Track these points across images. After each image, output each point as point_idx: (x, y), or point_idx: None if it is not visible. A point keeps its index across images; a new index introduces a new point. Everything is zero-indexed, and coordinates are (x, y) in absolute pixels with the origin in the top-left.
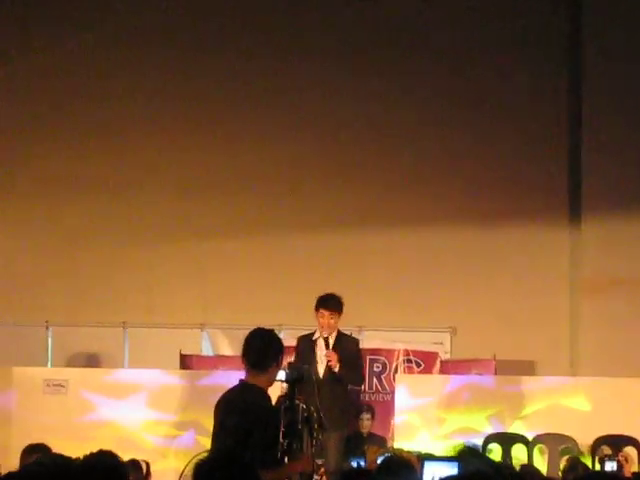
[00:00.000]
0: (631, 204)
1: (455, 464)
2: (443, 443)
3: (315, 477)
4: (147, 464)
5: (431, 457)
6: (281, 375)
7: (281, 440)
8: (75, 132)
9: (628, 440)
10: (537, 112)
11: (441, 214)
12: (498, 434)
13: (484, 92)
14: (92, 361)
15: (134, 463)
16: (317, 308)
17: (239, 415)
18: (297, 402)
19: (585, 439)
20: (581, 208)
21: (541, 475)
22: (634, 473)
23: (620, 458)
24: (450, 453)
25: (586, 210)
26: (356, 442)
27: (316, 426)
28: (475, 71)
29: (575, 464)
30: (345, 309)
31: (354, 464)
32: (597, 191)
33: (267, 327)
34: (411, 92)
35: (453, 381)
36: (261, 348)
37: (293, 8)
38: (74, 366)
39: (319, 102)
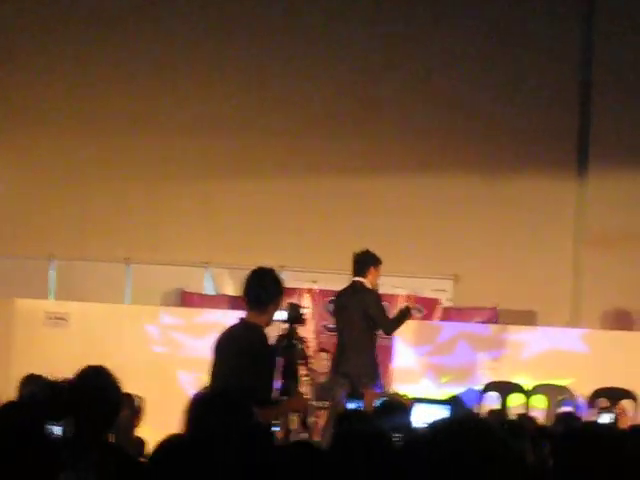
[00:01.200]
0: (636, 160)
1: (447, 407)
2: (441, 390)
3: (312, 419)
4: (141, 399)
5: (423, 400)
6: (280, 315)
7: (280, 379)
8: (84, 62)
9: (626, 393)
10: (548, 65)
11: (447, 162)
12: (497, 383)
13: (495, 43)
14: (94, 295)
15: (127, 397)
16: (379, 265)
17: (236, 353)
18: (295, 342)
19: (583, 390)
20: (588, 162)
21: (536, 424)
22: (631, 426)
23: (617, 411)
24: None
25: (593, 164)
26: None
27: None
28: (485, 22)
29: (567, 416)
30: (346, 254)
31: (352, 405)
32: (605, 145)
33: (269, 267)
34: (423, 40)
35: (452, 328)
36: (261, 287)
37: None
38: (76, 300)
39: (328, 42)
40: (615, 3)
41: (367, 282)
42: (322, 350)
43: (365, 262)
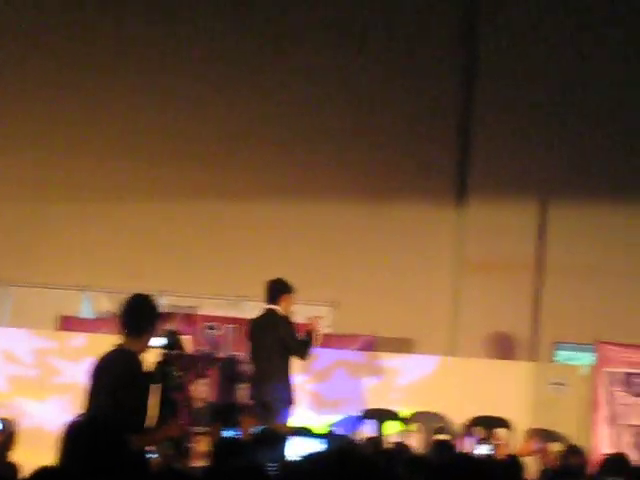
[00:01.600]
0: (516, 188)
1: (323, 440)
2: (320, 417)
3: (188, 444)
4: (14, 423)
5: (302, 432)
6: (158, 341)
7: (156, 406)
8: None
9: (501, 422)
10: (428, 93)
11: (328, 189)
12: (374, 410)
13: (375, 71)
14: None
15: (1, 421)
16: (292, 292)
17: (111, 379)
18: (171, 369)
19: (459, 418)
20: (467, 190)
21: (411, 453)
22: (508, 455)
23: (495, 442)
24: (326, 428)
25: (472, 192)
26: (232, 412)
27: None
28: (365, 47)
29: (442, 445)
30: (228, 279)
31: (228, 434)
32: (483, 174)
33: (148, 292)
34: (298, 67)
35: (329, 356)
36: (137, 313)
37: None
38: None
39: (219, 74)
40: (497, 35)
41: (280, 309)
42: (201, 376)
43: (278, 290)
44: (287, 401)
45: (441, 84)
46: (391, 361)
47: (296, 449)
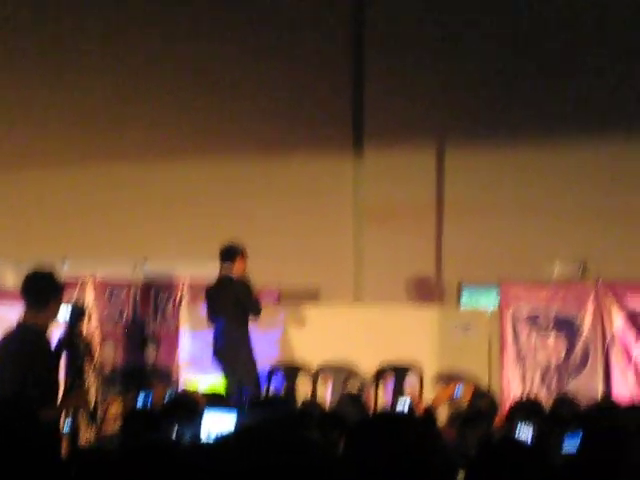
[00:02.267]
0: (412, 132)
1: (235, 412)
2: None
3: (101, 409)
4: None
5: (213, 402)
6: (62, 313)
7: (63, 378)
8: None
9: (410, 368)
10: (321, 43)
11: (223, 144)
12: (282, 364)
13: (265, 22)
14: None
15: None
16: (245, 255)
17: (15, 360)
18: (78, 339)
19: (369, 367)
20: (364, 137)
21: (323, 410)
22: (424, 408)
23: (411, 397)
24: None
25: (369, 139)
26: (141, 374)
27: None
28: (258, 10)
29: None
30: (130, 240)
31: (140, 400)
32: (379, 120)
33: (48, 261)
34: (197, 31)
35: None
36: (39, 288)
37: None
38: None
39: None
40: None
41: (234, 272)
42: (106, 340)
43: (232, 253)
44: (250, 359)
45: (332, 32)
46: (296, 312)
47: (211, 423)
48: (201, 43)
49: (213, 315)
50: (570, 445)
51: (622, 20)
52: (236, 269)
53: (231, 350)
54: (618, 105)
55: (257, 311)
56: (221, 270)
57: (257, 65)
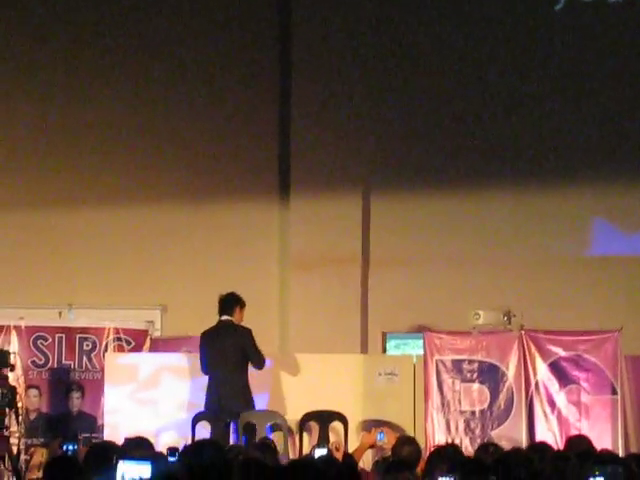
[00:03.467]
0: (338, 184)
1: (148, 463)
2: (156, 423)
3: (24, 456)
4: None
5: (125, 456)
6: None
7: None
8: None
9: (334, 415)
10: (247, 91)
11: (148, 192)
12: (206, 413)
13: (192, 70)
14: None
15: None
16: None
17: None
18: (2, 386)
19: (295, 414)
20: (290, 185)
21: (247, 455)
22: (344, 454)
23: (331, 447)
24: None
25: (295, 187)
26: (66, 421)
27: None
28: (182, 50)
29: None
30: (54, 287)
31: (66, 448)
32: (305, 169)
33: None
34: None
35: (162, 358)
36: None
37: None
38: None
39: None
40: (312, 35)
41: (235, 321)
42: (31, 387)
43: (231, 302)
44: (249, 404)
45: (258, 80)
46: None
47: (125, 471)
48: (128, 89)
49: (212, 361)
50: None
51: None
52: (236, 319)
53: (237, 397)
54: (540, 155)
55: (260, 362)
56: (220, 318)
57: (183, 113)
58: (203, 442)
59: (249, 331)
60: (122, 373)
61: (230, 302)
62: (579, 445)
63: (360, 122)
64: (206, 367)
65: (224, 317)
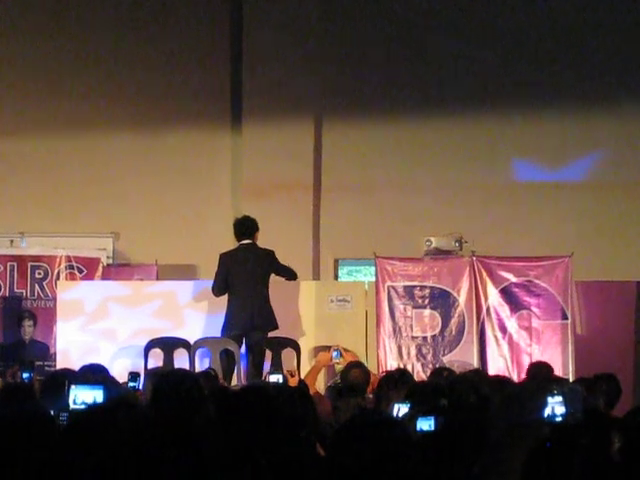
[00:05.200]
0: (290, 111)
1: (100, 388)
2: (109, 350)
3: None
4: None
5: (77, 380)
6: None
7: None
8: None
9: (288, 342)
10: (199, 16)
11: (102, 119)
12: (160, 339)
13: None
14: None
15: None
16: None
17: None
18: None
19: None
20: (242, 113)
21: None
22: (298, 381)
23: (286, 374)
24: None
25: (247, 115)
26: (17, 349)
27: None
28: None
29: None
30: (5, 215)
31: (22, 375)
32: (257, 96)
33: None
34: None
35: (119, 285)
36: None
37: None
38: None
39: None
40: None
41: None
42: None
43: (251, 226)
44: (273, 324)
45: (210, 6)
46: (173, 287)
47: (79, 396)
48: (79, 15)
49: (239, 282)
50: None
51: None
52: (255, 241)
53: (268, 315)
54: (493, 80)
55: (295, 275)
56: (241, 242)
57: (136, 40)
58: (177, 370)
59: (274, 252)
60: (70, 307)
61: (250, 226)
62: (540, 372)
63: (312, 49)
64: (229, 287)
65: (245, 240)
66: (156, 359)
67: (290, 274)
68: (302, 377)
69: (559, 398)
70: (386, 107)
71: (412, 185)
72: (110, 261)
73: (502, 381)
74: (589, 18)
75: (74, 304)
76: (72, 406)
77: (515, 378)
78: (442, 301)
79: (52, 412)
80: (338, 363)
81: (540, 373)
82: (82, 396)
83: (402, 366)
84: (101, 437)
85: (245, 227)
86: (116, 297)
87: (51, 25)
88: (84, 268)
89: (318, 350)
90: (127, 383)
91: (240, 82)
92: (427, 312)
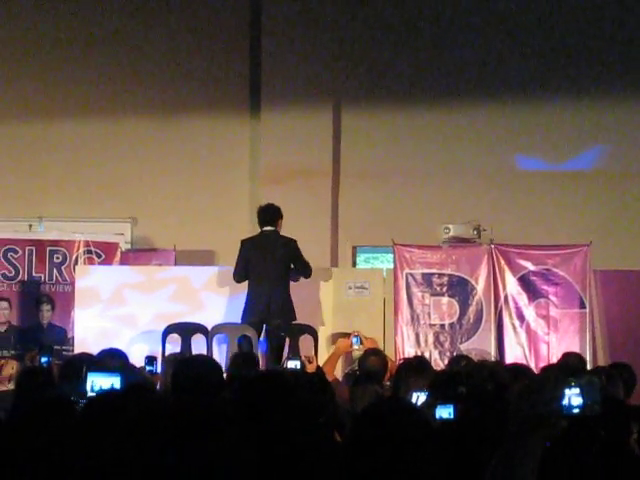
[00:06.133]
0: (309, 97)
1: (117, 375)
2: (127, 335)
3: None
4: None
5: (94, 367)
6: None
7: None
8: None
9: (305, 328)
10: (220, 2)
11: (122, 104)
12: (177, 324)
13: None
14: None
15: None
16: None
17: None
18: None
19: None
20: (261, 98)
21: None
22: (316, 367)
23: (303, 358)
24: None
25: (266, 100)
26: (35, 333)
27: None
28: None
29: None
30: (24, 200)
31: (41, 359)
32: (276, 81)
33: None
34: None
35: (133, 272)
36: None
37: None
38: None
39: None
40: None
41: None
42: (1, 299)
43: (274, 213)
44: (291, 316)
45: None
46: (191, 273)
47: (97, 382)
48: (98, 1)
49: (258, 269)
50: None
51: None
52: (278, 229)
53: (286, 304)
54: (514, 68)
55: (310, 272)
56: (264, 229)
57: (155, 26)
58: (197, 356)
59: (296, 242)
60: (87, 295)
61: (273, 213)
62: (571, 362)
63: (332, 35)
64: (248, 274)
65: (268, 228)
66: (174, 345)
67: (305, 270)
68: (320, 364)
69: (576, 390)
70: (405, 94)
71: (431, 172)
72: (128, 246)
73: (520, 369)
74: (597, 10)
75: (90, 291)
76: (89, 393)
77: (532, 366)
78: (460, 289)
79: (71, 398)
80: (358, 350)
81: (572, 363)
82: (99, 382)
83: (420, 353)
84: (117, 422)
85: (268, 214)
86: (131, 284)
87: (77, 5)
88: (102, 253)
89: (336, 337)
90: (144, 367)
91: (259, 68)
92: (445, 300)
